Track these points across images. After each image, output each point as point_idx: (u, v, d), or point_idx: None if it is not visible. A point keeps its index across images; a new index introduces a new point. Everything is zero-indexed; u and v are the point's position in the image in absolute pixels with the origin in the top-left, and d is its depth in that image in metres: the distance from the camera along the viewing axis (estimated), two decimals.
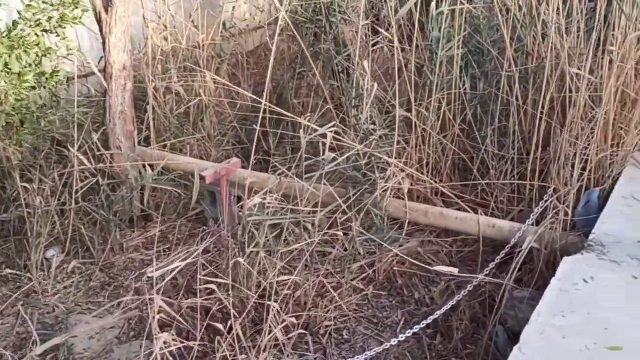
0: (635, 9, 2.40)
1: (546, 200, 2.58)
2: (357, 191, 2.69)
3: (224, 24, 4.21)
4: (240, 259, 2.26)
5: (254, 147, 2.53)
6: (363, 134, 2.64)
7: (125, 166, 3.15)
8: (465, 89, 3.02)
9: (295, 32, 3.23)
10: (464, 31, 2.94)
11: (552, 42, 2.76)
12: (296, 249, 2.39)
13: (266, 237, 2.39)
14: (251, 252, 2.27)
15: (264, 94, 3.67)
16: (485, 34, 2.98)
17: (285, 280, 2.46)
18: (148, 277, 1.90)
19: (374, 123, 2.66)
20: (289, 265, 2.46)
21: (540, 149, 2.81)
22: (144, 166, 3.27)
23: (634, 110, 2.67)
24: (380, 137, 2.67)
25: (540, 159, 2.81)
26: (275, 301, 2.28)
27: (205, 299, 2.29)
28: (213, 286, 2.16)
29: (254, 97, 2.67)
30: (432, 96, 2.91)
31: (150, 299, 1.93)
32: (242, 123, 4.18)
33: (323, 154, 2.35)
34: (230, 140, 3.92)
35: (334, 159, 2.44)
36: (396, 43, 2.57)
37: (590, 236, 2.12)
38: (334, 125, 2.45)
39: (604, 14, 2.58)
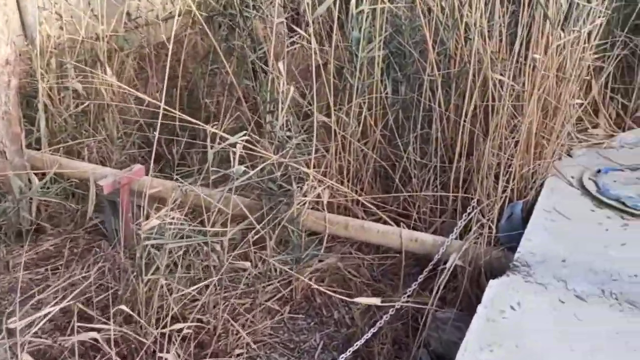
0: (559, 13, 2.32)
1: (469, 213, 2.47)
2: (273, 205, 2.48)
3: (128, 13, 3.85)
4: (138, 287, 1.99)
5: (153, 155, 2.25)
6: (279, 142, 2.43)
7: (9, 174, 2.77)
8: (386, 93, 2.86)
9: (205, 25, 2.96)
10: (385, 32, 2.78)
11: (474, 46, 2.65)
12: (203, 273, 2.14)
13: (170, 257, 2.14)
14: (149, 279, 2.00)
15: (174, 94, 3.37)
16: (407, 35, 2.84)
17: (192, 305, 2.21)
18: (8, 329, 1.60)
19: (290, 130, 2.45)
20: (197, 287, 2.21)
21: (463, 158, 2.70)
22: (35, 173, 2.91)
23: (555, 118, 2.62)
24: (297, 145, 2.47)
25: (464, 168, 2.71)
26: (180, 332, 2.04)
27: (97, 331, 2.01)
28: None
29: (153, 100, 2.38)
30: (352, 101, 2.73)
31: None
32: (151, 123, 3.87)
33: (235, 164, 2.11)
34: (136, 142, 3.59)
35: (245, 172, 2.20)
36: (314, 43, 2.37)
37: (516, 255, 2.01)
38: (245, 134, 2.21)
39: (527, 19, 2.49)
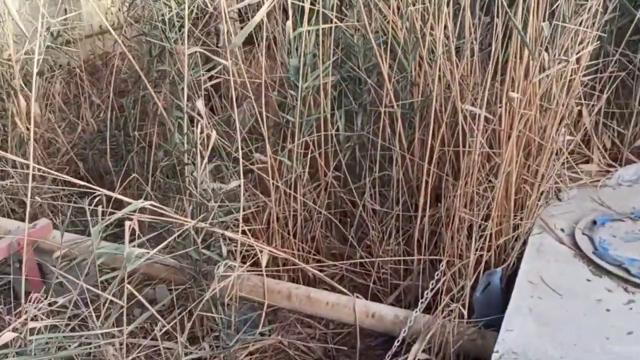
0: (540, 40, 1.86)
1: (437, 280, 2.01)
2: (191, 283, 2.01)
3: (48, 30, 3.34)
4: None
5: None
6: (200, 201, 1.95)
7: None
8: (337, 128, 2.39)
9: (124, 49, 2.47)
10: (334, 55, 2.31)
11: (440, 70, 2.19)
12: None
13: None
14: None
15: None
16: (361, 58, 2.37)
17: None
18: None
19: (217, 180, 1.98)
20: None
21: (429, 206, 2.24)
22: None
23: (539, 157, 2.16)
24: (223, 201, 1.99)
25: (430, 218, 2.25)
26: None
27: None
28: None
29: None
30: (296, 139, 2.25)
31: None
32: (82, 154, 3.38)
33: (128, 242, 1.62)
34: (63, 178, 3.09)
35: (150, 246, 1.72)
36: (234, 75, 1.89)
37: (494, 357, 1.55)
38: (151, 198, 1.74)
39: (501, 39, 2.03)
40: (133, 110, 3.07)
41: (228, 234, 1.92)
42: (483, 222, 2.03)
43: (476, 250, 2.01)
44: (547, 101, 2.12)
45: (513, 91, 1.89)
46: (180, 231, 1.87)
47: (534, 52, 1.81)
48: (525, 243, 2.06)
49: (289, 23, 2.05)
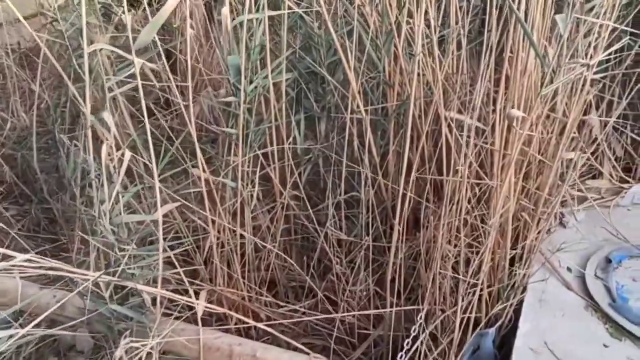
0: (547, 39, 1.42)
1: (414, 338, 1.60)
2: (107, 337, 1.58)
3: None
4: None
5: None
6: (109, 245, 1.51)
7: None
8: (293, 139, 1.95)
9: (38, 39, 1.99)
10: (289, 49, 1.86)
11: (419, 67, 1.75)
12: None
13: None
14: None
15: None
16: (323, 52, 1.92)
17: None
18: None
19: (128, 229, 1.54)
20: None
21: (405, 234, 1.83)
22: None
23: (540, 179, 1.74)
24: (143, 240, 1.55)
25: (408, 252, 1.83)
26: None
27: None
28: None
29: None
30: (240, 154, 1.81)
31: None
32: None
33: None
34: None
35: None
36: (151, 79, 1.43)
37: None
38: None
39: (497, 30, 1.58)
40: (58, 108, 2.61)
41: (141, 287, 1.49)
42: (472, 260, 1.62)
43: (463, 298, 1.60)
44: (551, 110, 1.70)
45: (513, 105, 1.46)
46: (81, 287, 1.44)
47: (541, 54, 1.37)
48: (524, 289, 1.65)
49: (225, 10, 1.59)
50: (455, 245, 1.66)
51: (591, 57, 1.47)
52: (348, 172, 1.91)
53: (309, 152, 2.00)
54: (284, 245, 2.04)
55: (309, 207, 1.95)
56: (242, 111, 1.71)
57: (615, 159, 2.15)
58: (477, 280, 1.59)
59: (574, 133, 1.84)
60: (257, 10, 1.67)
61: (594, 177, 2.09)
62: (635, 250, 1.72)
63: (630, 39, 2.01)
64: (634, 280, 1.62)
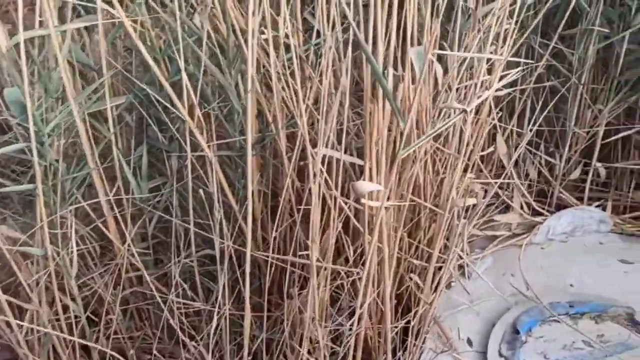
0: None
1: None
2: None
3: None
4: None
5: None
6: None
7: None
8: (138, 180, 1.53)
9: None
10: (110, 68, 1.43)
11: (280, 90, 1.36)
12: None
13: None
14: None
15: None
16: (163, 68, 1.50)
17: None
18: None
19: None
20: None
21: (270, 304, 1.46)
22: None
23: (434, 227, 1.39)
24: None
25: (274, 322, 1.46)
26: None
27: None
28: None
29: None
30: (44, 215, 1.38)
31: None
32: None
33: None
34: None
35: None
36: None
37: None
38: None
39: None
40: None
41: None
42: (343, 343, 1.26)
43: None
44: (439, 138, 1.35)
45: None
46: None
47: (398, 112, 0.98)
48: None
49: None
50: (322, 318, 1.30)
51: (469, 101, 1.11)
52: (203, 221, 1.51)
53: (154, 198, 1.59)
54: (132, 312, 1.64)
55: (152, 266, 1.54)
56: (36, 160, 1.27)
57: (529, 183, 1.84)
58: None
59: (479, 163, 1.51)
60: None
61: (507, 208, 1.77)
62: (547, 313, 1.41)
63: (542, 44, 1.69)
64: (546, 358, 1.30)
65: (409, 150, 1.01)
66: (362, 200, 1.05)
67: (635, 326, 1.37)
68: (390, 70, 1.01)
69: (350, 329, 1.27)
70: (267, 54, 1.31)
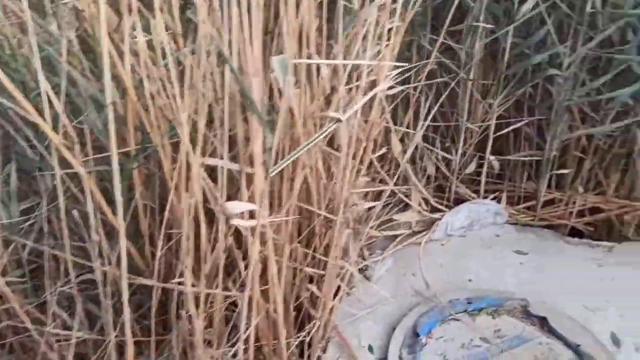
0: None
1: None
2: None
3: None
4: None
5: None
6: None
7: None
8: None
9: None
10: None
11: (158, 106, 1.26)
12: None
13: None
14: None
15: None
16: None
17: None
18: None
19: None
20: None
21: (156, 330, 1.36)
22: None
23: (328, 234, 1.35)
24: None
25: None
26: None
27: None
28: None
29: None
30: None
31: None
32: None
33: None
34: None
35: None
36: None
37: None
38: None
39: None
40: None
41: None
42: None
43: None
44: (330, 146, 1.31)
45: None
46: None
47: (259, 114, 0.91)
48: None
49: None
50: (217, 343, 1.22)
51: (345, 109, 1.07)
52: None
53: (24, 222, 1.44)
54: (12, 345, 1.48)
55: (31, 294, 1.40)
56: None
57: (427, 179, 1.84)
58: None
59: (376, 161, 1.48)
60: None
61: (406, 207, 1.76)
62: (446, 312, 1.40)
63: (431, 39, 1.69)
64: (443, 357, 1.29)
65: (280, 168, 0.95)
66: (232, 222, 0.97)
67: (530, 318, 1.40)
68: (258, 81, 0.94)
69: (246, 349, 1.20)
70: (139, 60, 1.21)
